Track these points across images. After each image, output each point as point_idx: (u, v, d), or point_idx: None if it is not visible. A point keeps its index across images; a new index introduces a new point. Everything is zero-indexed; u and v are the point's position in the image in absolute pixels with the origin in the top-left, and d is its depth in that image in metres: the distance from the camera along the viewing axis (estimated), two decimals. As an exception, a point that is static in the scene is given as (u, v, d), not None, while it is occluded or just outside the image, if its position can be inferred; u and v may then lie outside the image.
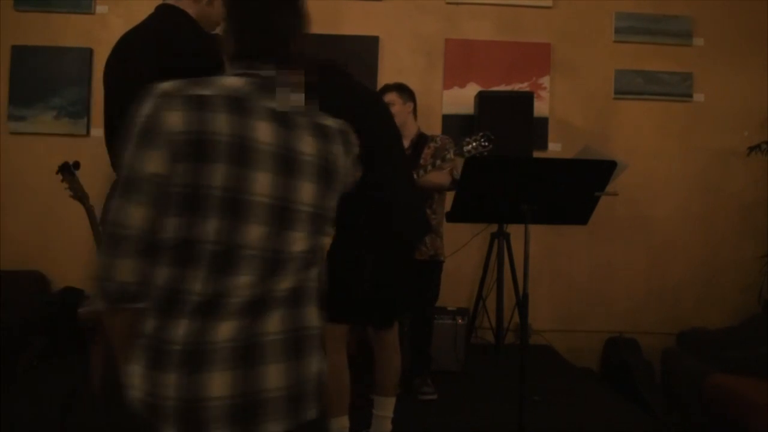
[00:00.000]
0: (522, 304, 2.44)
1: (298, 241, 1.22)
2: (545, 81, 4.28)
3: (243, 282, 1.16)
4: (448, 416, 2.97)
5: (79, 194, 2.43)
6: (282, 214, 1.20)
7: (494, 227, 3.92)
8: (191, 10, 1.96)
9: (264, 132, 1.18)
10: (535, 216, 2.33)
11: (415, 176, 3.18)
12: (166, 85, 1.17)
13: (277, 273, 1.20)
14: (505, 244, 3.86)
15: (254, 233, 1.16)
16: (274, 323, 1.20)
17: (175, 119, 1.13)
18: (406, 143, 3.29)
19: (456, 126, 4.18)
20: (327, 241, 1.31)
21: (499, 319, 3.88)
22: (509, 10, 4.28)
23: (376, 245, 2.25)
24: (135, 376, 1.15)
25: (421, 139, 3.31)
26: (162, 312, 1.15)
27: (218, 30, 1.99)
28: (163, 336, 1.14)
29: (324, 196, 1.26)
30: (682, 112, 4.34)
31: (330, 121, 1.31)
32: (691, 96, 4.32)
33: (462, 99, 4.22)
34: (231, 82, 1.21)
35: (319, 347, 1.28)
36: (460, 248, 3.98)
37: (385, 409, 2.48)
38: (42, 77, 4.10)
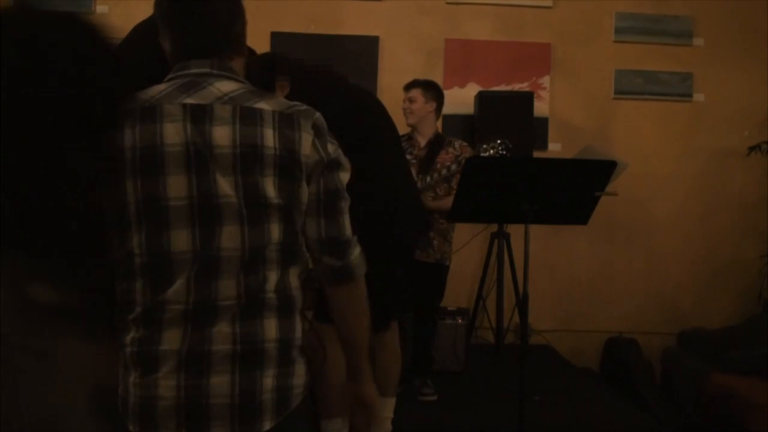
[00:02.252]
0: (522, 304, 2.44)
1: (232, 236, 1.18)
2: (545, 81, 4.28)
3: (179, 287, 1.17)
4: (448, 416, 2.97)
5: (79, 194, 2.43)
6: (206, 212, 1.18)
7: (494, 227, 3.91)
8: None
9: (173, 134, 1.17)
10: (535, 216, 2.33)
11: (428, 179, 3.16)
12: None
13: (215, 274, 1.18)
14: (505, 244, 3.85)
15: (180, 238, 1.17)
16: (220, 334, 1.18)
17: None
18: (424, 141, 3.29)
19: (456, 126, 4.18)
20: (277, 233, 1.21)
21: (499, 319, 3.88)
22: (509, 10, 4.28)
23: (371, 246, 2.24)
24: (120, 378, 1.22)
25: (438, 141, 3.30)
26: (121, 321, 1.21)
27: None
28: (122, 341, 1.20)
29: (251, 184, 1.19)
30: (682, 112, 4.34)
31: (263, 104, 1.23)
32: (691, 96, 4.32)
33: (462, 99, 4.22)
34: (152, 90, 1.22)
35: (283, 362, 1.23)
36: (460, 248, 3.97)
37: (385, 409, 2.49)
38: (42, 77, 4.09)
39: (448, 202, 3.13)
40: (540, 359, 3.86)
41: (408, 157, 3.22)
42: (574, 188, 2.35)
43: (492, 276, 3.92)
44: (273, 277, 1.22)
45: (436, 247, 3.20)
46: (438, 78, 4.21)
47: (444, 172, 3.15)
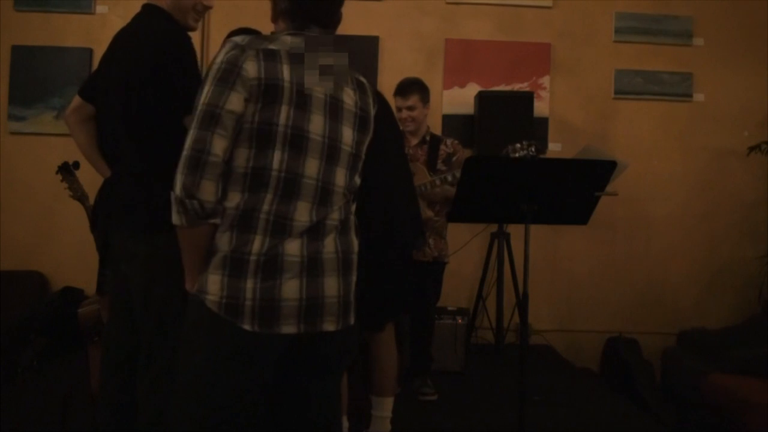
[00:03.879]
0: (522, 304, 2.44)
1: (341, 176, 1.47)
2: (545, 81, 4.28)
3: (303, 207, 1.40)
4: (448, 416, 2.96)
5: (79, 194, 2.43)
6: (331, 152, 1.44)
7: (494, 227, 3.92)
8: (163, 2, 1.92)
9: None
10: (535, 216, 2.33)
11: (449, 177, 3.14)
12: (239, 39, 1.39)
13: (328, 203, 1.44)
14: (505, 244, 3.85)
15: (311, 165, 1.41)
16: (329, 245, 1.44)
17: (251, 67, 1.34)
18: (415, 140, 3.28)
19: (456, 126, 4.18)
20: (358, 181, 1.54)
21: (499, 319, 3.88)
22: (509, 10, 4.28)
23: (368, 246, 2.23)
24: (213, 284, 1.37)
25: (434, 139, 3.30)
26: (238, 230, 1.37)
27: (191, 18, 1.96)
28: (242, 249, 1.36)
29: (359, 140, 1.51)
30: (682, 112, 4.34)
31: (363, 78, 1.56)
32: (691, 96, 4.32)
33: (462, 99, 4.22)
34: (288, 39, 1.43)
35: (356, 268, 1.52)
36: (460, 248, 3.98)
37: (384, 409, 2.48)
38: (42, 77, 4.10)
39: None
40: (540, 359, 3.86)
41: None
42: (574, 188, 2.34)
43: (492, 276, 3.93)
44: (353, 208, 1.55)
45: (432, 246, 3.19)
46: (438, 78, 4.22)
47: (447, 176, 3.13)
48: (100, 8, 4.16)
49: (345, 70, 1.48)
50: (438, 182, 3.13)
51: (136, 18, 1.96)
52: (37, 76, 4.10)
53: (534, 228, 2.39)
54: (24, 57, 4.11)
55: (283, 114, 1.36)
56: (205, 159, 1.31)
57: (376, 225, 2.22)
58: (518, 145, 3.10)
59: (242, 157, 1.35)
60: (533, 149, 3.07)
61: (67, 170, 2.44)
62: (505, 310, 3.89)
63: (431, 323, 3.34)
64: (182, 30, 1.92)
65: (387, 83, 4.16)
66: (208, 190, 1.33)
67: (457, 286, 4.12)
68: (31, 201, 4.10)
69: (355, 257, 1.51)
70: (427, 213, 3.17)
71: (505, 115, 3.93)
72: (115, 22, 4.11)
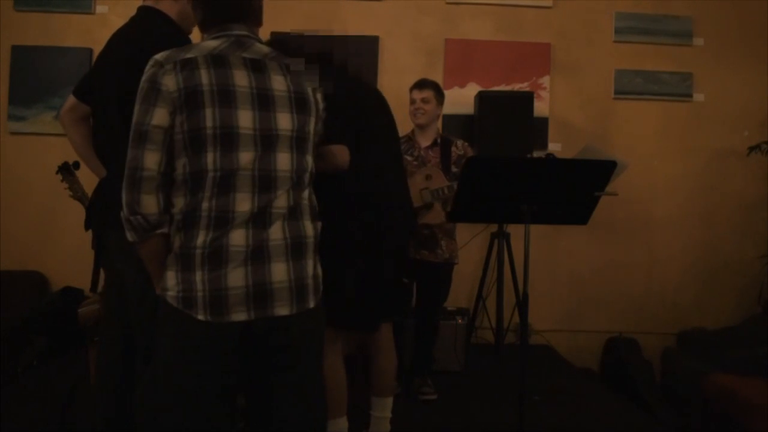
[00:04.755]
0: (522, 304, 2.44)
1: (285, 161, 1.51)
2: (545, 81, 4.28)
3: (242, 197, 1.45)
4: (448, 416, 2.97)
5: (79, 194, 2.43)
6: (265, 141, 1.48)
7: (494, 227, 3.92)
8: (172, 10, 1.93)
9: (240, 78, 1.47)
10: (535, 216, 2.33)
11: (447, 180, 3.14)
12: (159, 56, 1.46)
13: (270, 189, 1.48)
14: (505, 244, 3.85)
15: (245, 158, 1.45)
16: (276, 232, 1.48)
17: (169, 81, 1.42)
18: (426, 142, 3.28)
19: (456, 126, 4.18)
20: (310, 160, 1.58)
21: (499, 319, 3.88)
22: (509, 10, 4.28)
23: (364, 247, 2.20)
24: (170, 280, 1.45)
25: (445, 141, 3.30)
26: (185, 229, 1.44)
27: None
28: (188, 245, 1.43)
29: (301, 121, 1.55)
30: (682, 112, 4.34)
31: (295, 62, 1.60)
32: (691, 96, 4.32)
33: (462, 99, 4.22)
34: (209, 44, 1.50)
35: (315, 253, 1.58)
36: (460, 248, 3.97)
37: (383, 409, 2.47)
38: (42, 77, 4.10)
39: None
40: (540, 359, 3.86)
41: (408, 158, 3.21)
42: (574, 188, 2.34)
43: (492, 276, 3.93)
44: (307, 192, 1.57)
45: (444, 248, 3.20)
46: (438, 78, 4.21)
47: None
48: (100, 8, 4.16)
49: (272, 58, 1.53)
50: (456, 187, 3.12)
51: (133, 20, 1.95)
52: (37, 76, 4.10)
53: (534, 228, 2.39)
54: (24, 57, 4.11)
55: (209, 116, 1.42)
56: (140, 175, 1.41)
57: (368, 227, 2.21)
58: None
59: (181, 165, 1.44)
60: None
61: (67, 170, 2.44)
62: (505, 310, 3.89)
63: (436, 324, 3.34)
64: (181, 32, 1.92)
65: (387, 83, 4.17)
66: (148, 204, 1.42)
67: (457, 286, 4.11)
68: (31, 201, 4.10)
69: (309, 241, 1.55)
70: (442, 217, 3.16)
71: (505, 115, 3.93)
72: (115, 22, 4.09)
